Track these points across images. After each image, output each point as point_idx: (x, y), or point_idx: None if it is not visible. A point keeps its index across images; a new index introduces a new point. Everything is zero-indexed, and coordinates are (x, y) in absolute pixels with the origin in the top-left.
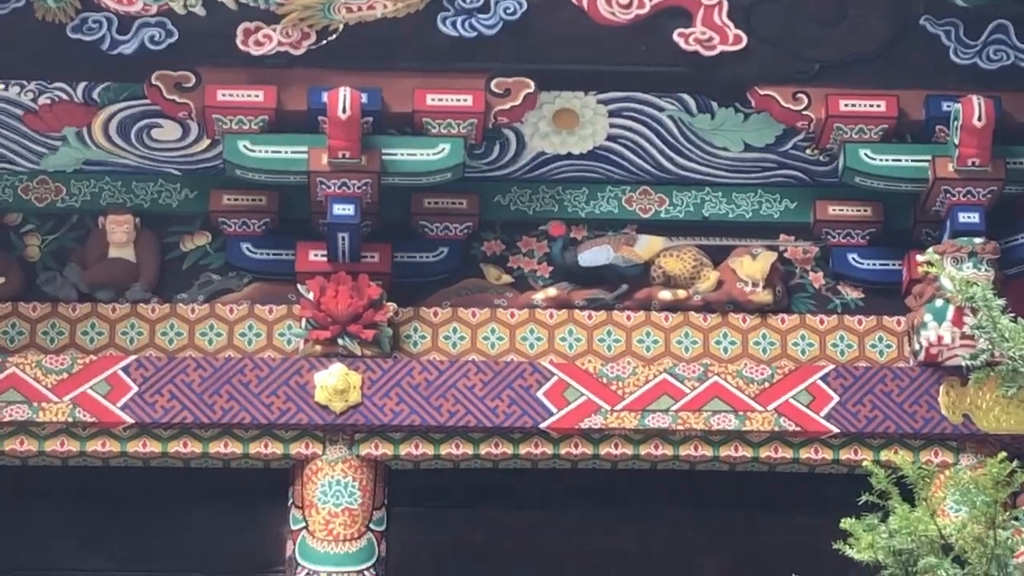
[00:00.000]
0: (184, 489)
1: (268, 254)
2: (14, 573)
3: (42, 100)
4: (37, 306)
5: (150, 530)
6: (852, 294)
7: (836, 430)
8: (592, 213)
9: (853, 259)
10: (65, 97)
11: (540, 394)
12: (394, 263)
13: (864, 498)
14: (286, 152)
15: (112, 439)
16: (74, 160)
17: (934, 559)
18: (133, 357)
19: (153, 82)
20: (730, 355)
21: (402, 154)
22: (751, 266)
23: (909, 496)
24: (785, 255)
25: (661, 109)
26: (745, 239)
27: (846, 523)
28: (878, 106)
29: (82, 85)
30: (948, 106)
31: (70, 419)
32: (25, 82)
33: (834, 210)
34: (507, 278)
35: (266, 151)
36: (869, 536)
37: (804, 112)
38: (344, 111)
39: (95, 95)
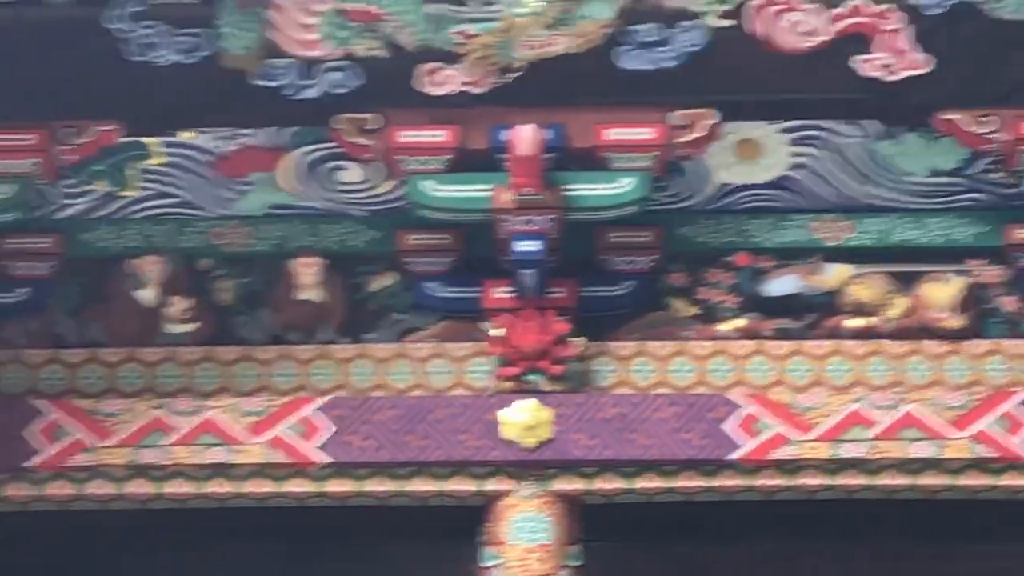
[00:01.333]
0: (378, 527)
1: (455, 292)
2: None
3: (230, 147)
4: (230, 350)
5: (345, 568)
6: None
7: None
8: (778, 243)
9: None
10: (252, 143)
11: (731, 426)
12: (580, 298)
13: None
14: (470, 191)
15: (308, 479)
16: (262, 204)
17: None
18: (326, 397)
19: (337, 125)
20: (924, 382)
21: (585, 189)
22: (942, 292)
23: None
24: (976, 279)
25: (845, 136)
26: (935, 264)
27: None
28: None
29: (268, 130)
30: None
31: (266, 460)
32: (213, 129)
33: None
34: (694, 310)
35: (450, 190)
36: None
37: (991, 135)
38: (526, 148)
39: (281, 140)
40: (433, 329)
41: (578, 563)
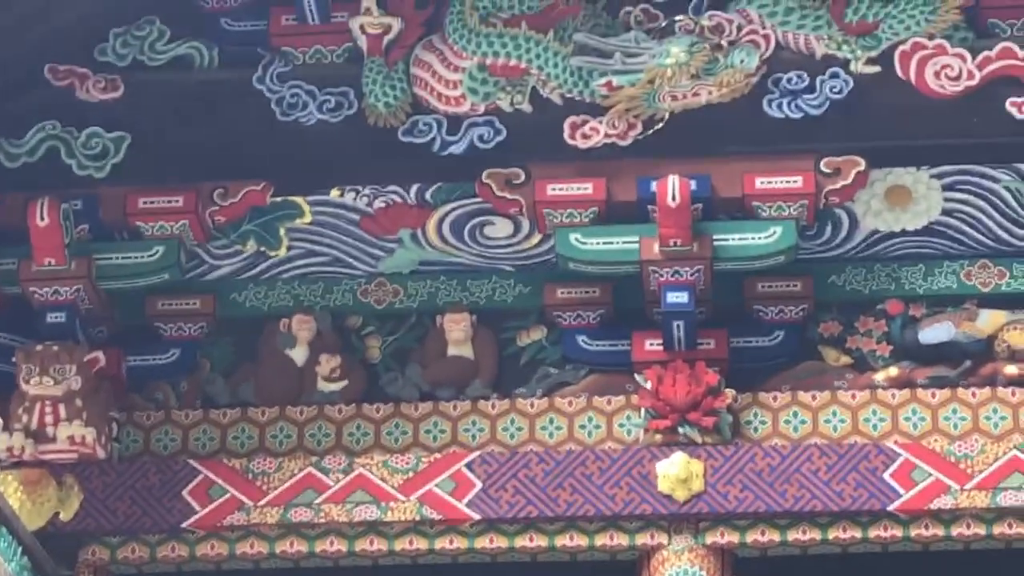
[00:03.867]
0: None
1: (604, 345)
2: None
3: (377, 204)
4: (380, 407)
5: None
6: None
7: None
8: (930, 289)
9: None
10: (399, 200)
11: (887, 475)
12: (730, 348)
13: None
14: (618, 243)
15: (459, 536)
16: (410, 261)
17: None
18: (476, 453)
19: (484, 180)
20: None
21: (733, 239)
22: None
23: None
24: None
25: (996, 180)
26: None
27: None
28: None
29: (415, 187)
30: None
31: (418, 517)
32: (360, 187)
33: None
34: (846, 359)
35: (598, 243)
36: None
37: None
38: (674, 199)
39: (428, 196)
40: (583, 383)
41: None
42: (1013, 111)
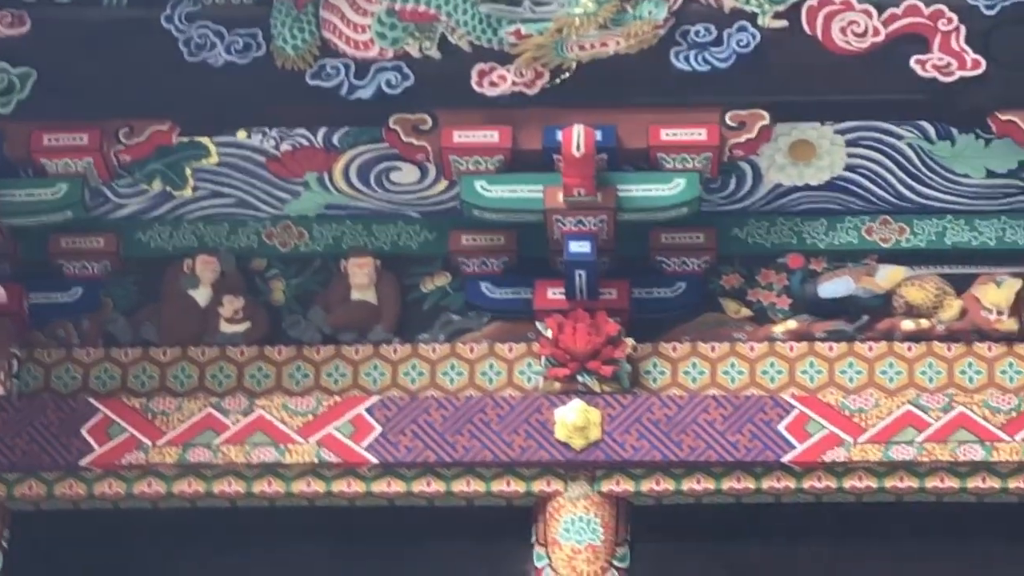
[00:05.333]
0: (428, 528)
1: (507, 293)
2: None
3: (284, 147)
4: (282, 349)
5: (394, 569)
6: None
7: None
8: (831, 244)
9: None
10: (306, 143)
11: (782, 428)
12: (632, 299)
13: None
14: (522, 191)
15: (357, 479)
16: (316, 205)
17: None
18: (376, 398)
19: (391, 126)
20: (975, 385)
21: (637, 190)
22: (996, 294)
23: None
24: None
25: (900, 137)
26: (989, 267)
27: None
28: None
29: (322, 130)
30: None
31: (316, 460)
32: (267, 129)
33: None
34: (746, 312)
35: (502, 191)
36: None
37: None
38: (579, 149)
39: (335, 140)
40: (485, 330)
41: (626, 564)
42: (917, 68)
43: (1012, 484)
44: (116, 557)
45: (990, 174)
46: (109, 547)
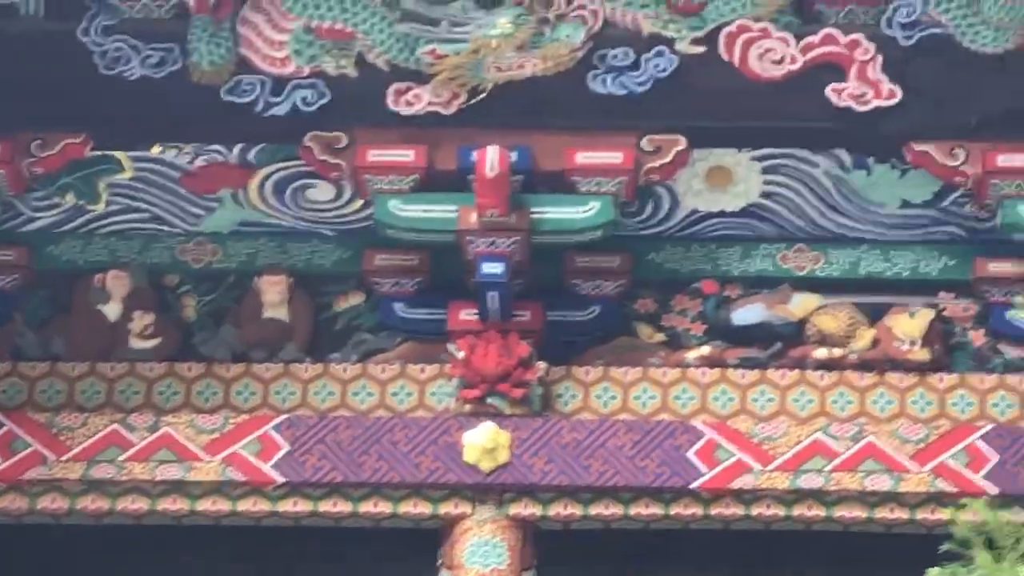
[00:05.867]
0: (335, 548)
1: (420, 313)
2: None
3: (198, 162)
4: (192, 366)
5: None
6: (1013, 353)
7: (995, 491)
8: (746, 271)
9: (1013, 317)
10: (221, 159)
11: (691, 454)
12: (546, 322)
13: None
14: (436, 211)
15: (263, 498)
16: (230, 221)
17: None
18: (284, 416)
19: (306, 143)
20: (886, 415)
21: (552, 212)
22: (909, 324)
23: None
24: (944, 313)
25: (816, 165)
26: (902, 297)
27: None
28: None
29: (237, 147)
30: None
31: (221, 478)
32: (182, 144)
33: (994, 267)
34: (660, 337)
35: (416, 210)
36: None
37: (961, 167)
38: (492, 169)
39: (250, 157)
40: (398, 350)
41: None
42: (833, 97)
43: (920, 515)
44: (18, 572)
45: (905, 204)
46: (10, 562)
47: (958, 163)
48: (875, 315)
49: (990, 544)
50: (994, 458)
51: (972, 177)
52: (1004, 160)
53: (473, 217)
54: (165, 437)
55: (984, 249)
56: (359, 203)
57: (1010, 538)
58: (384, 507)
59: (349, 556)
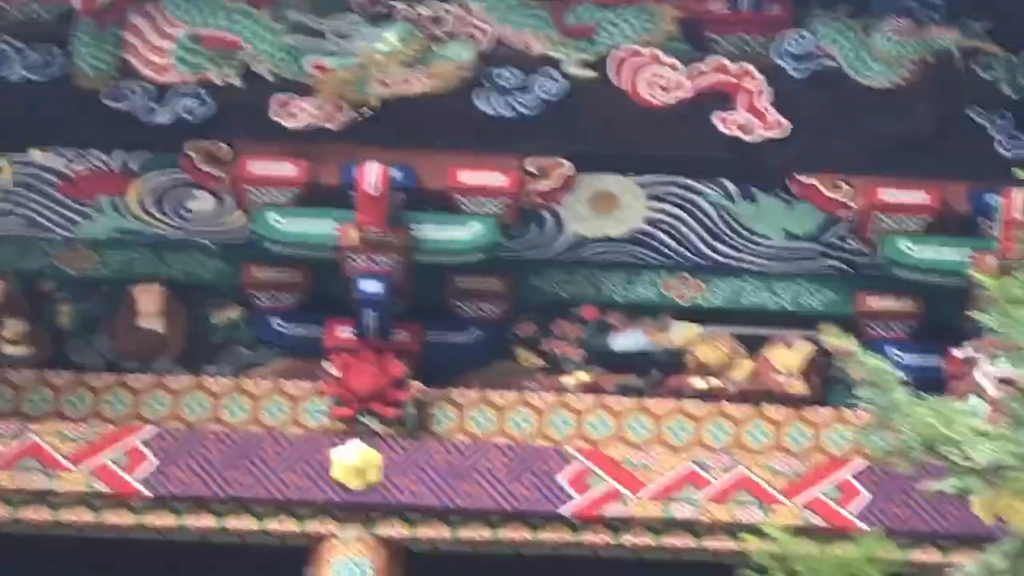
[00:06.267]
0: (201, 564)
1: (298, 329)
2: None
3: (77, 168)
4: (63, 374)
5: None
6: None
7: (866, 527)
8: (628, 298)
9: (894, 353)
10: (100, 165)
11: (561, 479)
12: (425, 343)
13: None
14: (316, 226)
15: (128, 511)
16: (108, 229)
17: None
18: (152, 428)
19: (187, 152)
20: (761, 447)
21: (433, 232)
22: (787, 357)
23: None
24: (824, 347)
25: (701, 194)
26: (783, 329)
27: None
28: (920, 197)
29: (118, 154)
30: (993, 199)
31: (86, 488)
32: (61, 149)
33: (875, 302)
34: (539, 361)
35: (296, 225)
36: None
37: (845, 201)
38: (373, 186)
39: (130, 164)
40: (273, 366)
41: None
42: (720, 125)
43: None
44: None
45: (789, 236)
46: None
47: (842, 196)
48: (755, 347)
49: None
50: (867, 495)
51: (856, 211)
52: (888, 195)
53: (353, 234)
54: (30, 445)
55: (866, 284)
56: (240, 215)
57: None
58: (250, 523)
59: (218, 573)
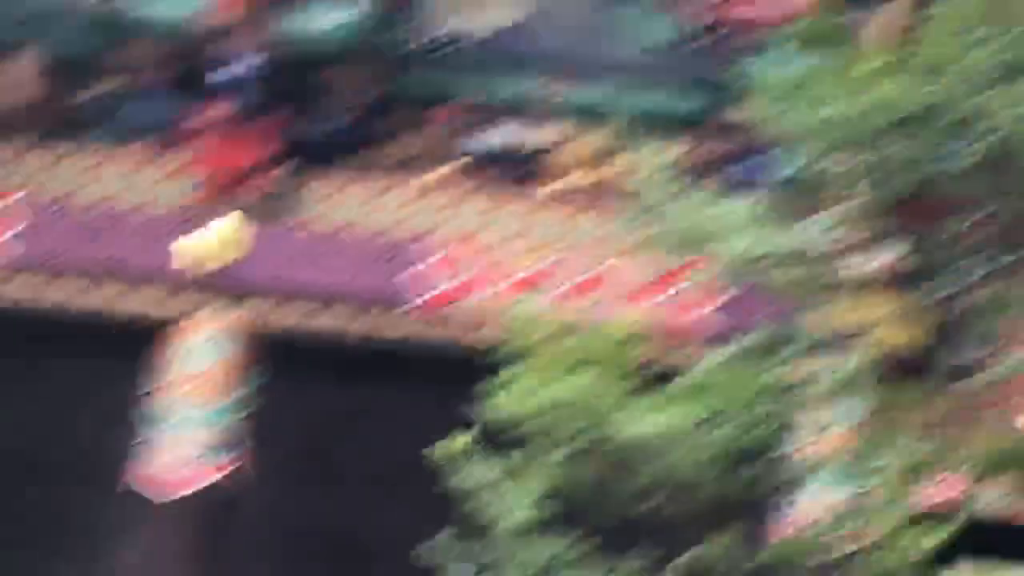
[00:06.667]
0: (62, 337)
1: (166, 109)
2: None
3: None
4: None
5: (17, 378)
6: None
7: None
8: (498, 96)
9: None
10: None
11: (417, 271)
12: (291, 129)
13: None
14: (187, 5)
15: None
16: None
17: None
18: (18, 197)
19: None
20: (624, 245)
21: (303, 18)
22: (648, 161)
23: None
24: (685, 152)
25: None
26: (648, 133)
27: None
28: None
29: None
30: None
31: None
32: None
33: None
34: (405, 154)
35: (168, 4)
36: None
37: (708, 11)
38: None
39: None
40: (141, 143)
41: (250, 391)
42: None
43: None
44: None
45: (655, 44)
46: None
47: (706, 6)
48: (618, 150)
49: None
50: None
51: (718, 22)
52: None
53: (221, 16)
54: None
55: (725, 95)
56: None
57: None
58: (106, 297)
59: (76, 348)
